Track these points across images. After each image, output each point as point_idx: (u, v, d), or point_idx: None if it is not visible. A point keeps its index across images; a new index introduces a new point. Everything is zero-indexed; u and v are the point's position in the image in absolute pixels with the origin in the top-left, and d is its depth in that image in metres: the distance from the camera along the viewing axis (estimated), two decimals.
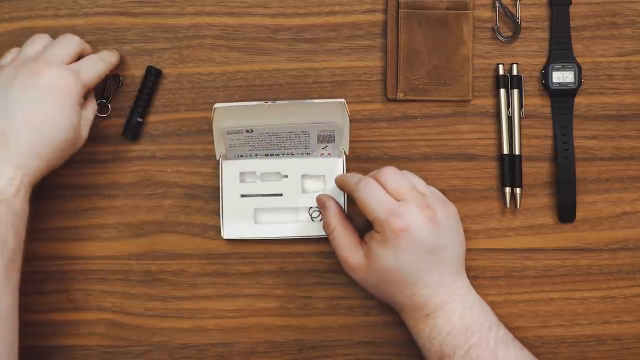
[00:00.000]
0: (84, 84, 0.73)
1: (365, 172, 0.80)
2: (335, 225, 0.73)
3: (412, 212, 0.68)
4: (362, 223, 0.78)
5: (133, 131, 0.79)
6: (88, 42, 0.80)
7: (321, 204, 0.75)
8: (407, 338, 0.74)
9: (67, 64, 0.73)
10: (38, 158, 0.70)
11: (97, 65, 0.75)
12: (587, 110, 0.81)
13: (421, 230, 0.68)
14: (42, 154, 0.70)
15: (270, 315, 0.80)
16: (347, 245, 0.72)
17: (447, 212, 0.71)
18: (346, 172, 0.79)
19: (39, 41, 0.75)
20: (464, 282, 0.72)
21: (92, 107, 0.77)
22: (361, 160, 0.81)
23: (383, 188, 0.70)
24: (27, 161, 0.70)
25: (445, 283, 0.70)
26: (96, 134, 0.80)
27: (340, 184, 0.74)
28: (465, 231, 0.80)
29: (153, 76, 0.79)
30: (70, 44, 0.75)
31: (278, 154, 0.78)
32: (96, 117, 0.80)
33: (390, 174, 0.71)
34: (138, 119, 0.78)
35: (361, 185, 0.70)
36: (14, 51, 0.76)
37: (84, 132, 0.75)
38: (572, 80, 0.80)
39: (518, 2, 0.81)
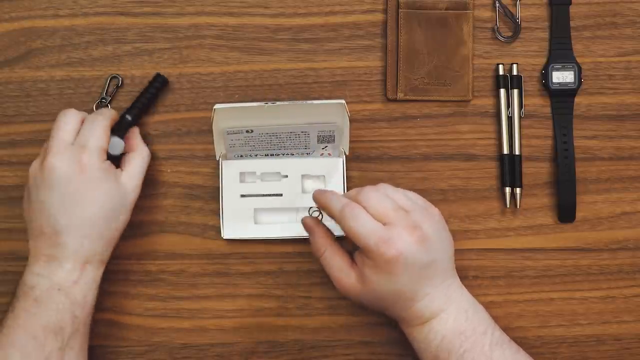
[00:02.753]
0: (98, 148, 0.73)
1: (365, 172, 0.80)
2: (325, 248, 0.71)
3: (402, 237, 0.67)
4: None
5: (120, 128, 0.77)
6: (88, 42, 0.81)
7: (308, 228, 0.73)
8: (405, 338, 0.74)
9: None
10: (92, 242, 0.72)
11: (98, 124, 0.74)
12: (587, 110, 0.81)
13: (413, 254, 0.67)
14: (94, 237, 0.72)
15: (270, 315, 0.80)
16: (338, 267, 0.70)
17: (433, 224, 0.69)
18: (346, 173, 0.79)
19: (71, 121, 0.75)
20: (456, 284, 0.72)
21: (138, 156, 0.76)
22: (361, 160, 0.81)
23: (367, 212, 0.68)
24: (82, 250, 0.72)
25: (441, 291, 0.70)
26: None
27: (322, 206, 0.71)
28: (465, 231, 0.80)
29: (159, 83, 0.79)
30: (70, 120, 0.74)
31: (278, 154, 0.78)
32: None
33: (372, 197, 0.68)
34: (127, 117, 0.77)
35: (346, 213, 0.68)
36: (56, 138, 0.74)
37: (134, 182, 0.75)
38: (572, 80, 0.80)
39: (518, 2, 0.81)
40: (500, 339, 0.70)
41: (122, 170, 0.75)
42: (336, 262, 0.71)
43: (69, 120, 0.74)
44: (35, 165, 0.73)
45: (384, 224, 0.67)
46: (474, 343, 0.69)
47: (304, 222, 0.74)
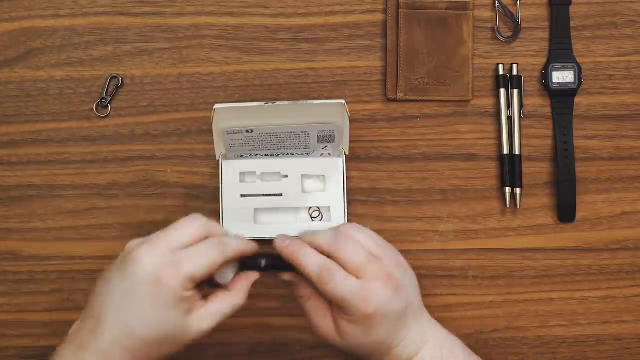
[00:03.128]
0: (189, 276, 0.62)
1: (365, 172, 0.80)
2: (311, 295, 0.68)
3: (379, 292, 0.65)
4: None
5: (244, 263, 0.68)
6: (88, 42, 0.81)
7: (289, 282, 0.70)
8: None
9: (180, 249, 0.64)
10: (124, 351, 0.63)
11: (209, 253, 0.64)
12: (587, 110, 0.81)
13: (390, 306, 0.66)
14: (129, 348, 0.63)
15: (270, 315, 0.80)
16: (321, 316, 0.68)
17: (400, 266, 0.68)
18: (346, 172, 0.79)
19: (192, 230, 0.66)
20: (427, 320, 0.71)
21: (227, 301, 0.66)
22: (361, 160, 0.81)
23: (342, 267, 0.66)
24: (111, 353, 0.63)
25: (415, 332, 0.69)
26: (96, 133, 0.80)
27: (293, 263, 0.67)
28: (465, 231, 0.80)
29: None
30: (190, 226, 0.65)
31: (278, 154, 0.78)
32: (96, 117, 0.80)
33: (348, 249, 0.66)
34: (261, 261, 0.69)
35: (325, 277, 0.65)
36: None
37: (203, 326, 0.65)
38: (572, 80, 0.80)
39: (518, 2, 0.81)
40: None
41: (202, 304, 0.65)
42: (318, 311, 0.69)
43: (189, 228, 0.65)
44: (132, 244, 0.66)
45: (359, 278, 0.66)
46: None
47: (282, 276, 0.69)
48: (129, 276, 0.63)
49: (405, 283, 0.68)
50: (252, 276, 0.68)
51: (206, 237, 0.65)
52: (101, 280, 0.66)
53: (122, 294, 0.63)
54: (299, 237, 0.68)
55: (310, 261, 0.66)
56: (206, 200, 0.80)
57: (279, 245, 0.67)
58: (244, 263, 0.67)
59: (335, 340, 0.69)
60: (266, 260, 0.68)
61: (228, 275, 0.67)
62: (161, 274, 0.62)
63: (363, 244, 0.67)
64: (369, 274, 0.66)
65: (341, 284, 0.65)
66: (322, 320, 0.69)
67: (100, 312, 0.64)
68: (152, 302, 0.62)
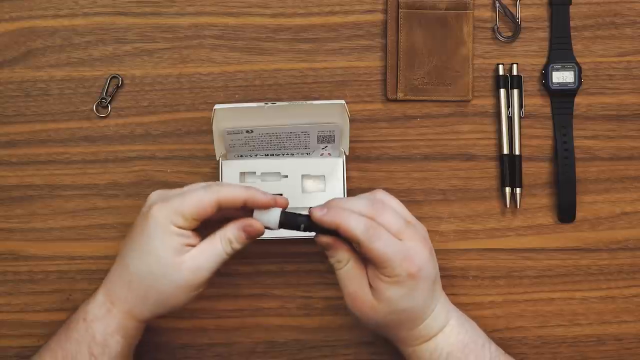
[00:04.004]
0: (175, 210, 0.65)
1: (364, 172, 0.80)
2: (348, 261, 0.68)
3: (420, 252, 0.67)
4: None
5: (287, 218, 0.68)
6: (88, 42, 0.81)
7: (327, 244, 0.68)
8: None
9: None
10: (125, 287, 0.67)
11: (199, 192, 0.65)
12: (587, 110, 0.81)
13: (429, 266, 0.67)
14: (127, 283, 0.67)
15: (270, 315, 0.80)
16: (357, 283, 0.68)
17: (427, 235, 0.70)
18: (346, 173, 0.79)
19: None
20: (446, 298, 0.72)
21: (210, 247, 0.66)
22: (361, 160, 0.81)
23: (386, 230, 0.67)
24: (116, 291, 0.67)
25: (442, 304, 0.70)
26: (96, 133, 0.80)
27: (336, 226, 0.66)
28: (465, 231, 0.80)
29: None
30: (198, 183, 0.68)
31: (278, 154, 0.78)
32: (96, 117, 0.80)
33: (387, 214, 0.67)
34: (300, 219, 0.68)
35: (372, 236, 0.65)
36: None
37: (193, 263, 0.65)
38: (572, 80, 0.80)
39: (518, 2, 0.81)
40: (497, 352, 0.71)
41: (197, 244, 0.66)
42: (355, 277, 0.68)
43: (197, 184, 0.68)
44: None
45: (400, 240, 0.67)
46: (476, 356, 0.69)
47: (321, 238, 0.68)
48: (140, 226, 0.66)
49: (434, 252, 0.69)
50: (256, 226, 0.67)
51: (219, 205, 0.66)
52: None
53: (130, 236, 0.67)
54: (334, 203, 0.68)
55: (355, 222, 0.66)
56: None
57: (317, 215, 0.67)
58: (282, 223, 0.67)
59: (370, 309, 0.68)
60: (305, 222, 0.68)
61: (271, 218, 0.66)
62: (152, 208, 0.65)
63: (401, 212, 0.69)
64: (407, 237, 0.67)
65: (388, 244, 0.66)
66: (359, 287, 0.68)
67: (118, 255, 0.69)
68: (144, 236, 0.65)
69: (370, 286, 0.68)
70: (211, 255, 0.66)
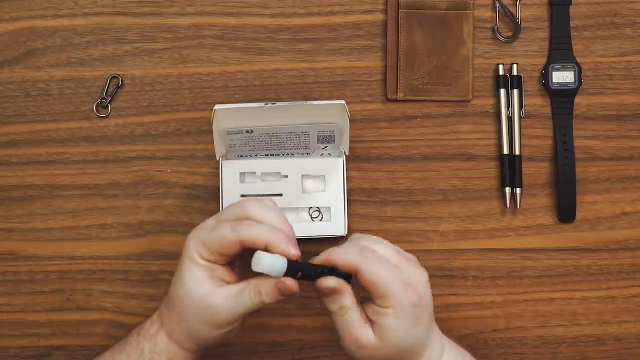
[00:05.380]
0: (200, 241, 0.64)
1: (365, 172, 0.80)
2: (352, 304, 0.64)
3: (419, 279, 0.65)
4: None
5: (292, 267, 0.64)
6: (88, 42, 0.81)
7: (331, 290, 0.64)
8: None
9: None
10: (166, 309, 0.67)
11: (225, 228, 0.63)
12: (587, 110, 0.81)
13: (427, 293, 0.66)
14: (166, 305, 0.67)
15: (270, 316, 0.80)
16: (361, 327, 0.64)
17: (419, 262, 0.69)
18: (346, 173, 0.79)
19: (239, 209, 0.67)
20: (437, 328, 0.70)
21: (238, 292, 0.64)
22: (361, 160, 0.81)
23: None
24: (162, 309, 0.68)
25: (436, 337, 0.68)
26: (96, 133, 0.80)
27: (333, 261, 0.64)
28: (465, 231, 0.80)
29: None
30: (239, 207, 0.65)
31: (278, 154, 0.78)
32: (96, 117, 0.80)
33: (377, 244, 0.66)
34: (316, 270, 0.65)
35: (369, 258, 0.63)
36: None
37: (227, 304, 0.64)
38: (572, 80, 0.80)
39: (518, 2, 0.81)
40: None
41: (232, 284, 0.65)
42: (357, 321, 0.65)
43: (237, 209, 0.65)
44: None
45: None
46: None
47: (325, 282, 0.64)
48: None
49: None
50: (291, 285, 0.64)
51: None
52: None
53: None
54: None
55: (348, 248, 0.64)
56: (206, 200, 0.80)
57: (328, 257, 0.64)
58: (289, 267, 0.63)
59: (375, 351, 0.65)
60: (302, 272, 0.64)
61: (276, 266, 0.62)
62: (187, 236, 0.65)
63: (384, 243, 0.67)
64: (403, 265, 0.65)
65: (386, 269, 0.63)
66: (363, 332, 0.65)
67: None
68: (179, 261, 0.66)
69: (372, 326, 0.65)
70: (237, 301, 0.64)
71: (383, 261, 0.64)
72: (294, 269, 0.63)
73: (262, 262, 0.61)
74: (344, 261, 0.64)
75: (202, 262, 0.64)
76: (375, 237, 0.67)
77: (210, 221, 0.66)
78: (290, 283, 0.63)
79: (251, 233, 0.63)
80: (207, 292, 0.64)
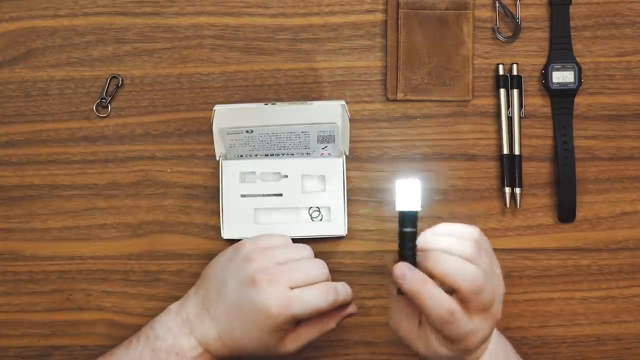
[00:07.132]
0: (293, 315, 0.67)
1: (364, 172, 0.80)
2: (425, 285, 0.63)
3: (483, 331, 0.65)
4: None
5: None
6: (88, 42, 0.81)
7: (402, 274, 0.63)
8: None
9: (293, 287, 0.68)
10: (221, 344, 0.70)
11: (319, 300, 0.67)
12: (587, 110, 0.81)
13: (485, 338, 0.66)
14: (225, 343, 0.70)
15: None
16: (404, 315, 0.67)
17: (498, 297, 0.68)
18: (346, 173, 0.79)
19: (277, 242, 0.71)
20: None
21: (312, 327, 0.70)
22: (361, 160, 0.81)
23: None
24: (212, 341, 0.70)
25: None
26: (96, 133, 0.80)
27: (420, 306, 0.63)
28: None
29: None
30: (313, 269, 0.69)
31: (278, 154, 0.78)
32: (96, 117, 0.80)
33: (487, 287, 0.64)
34: None
35: (448, 323, 0.62)
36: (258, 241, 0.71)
37: (291, 346, 0.70)
38: (572, 80, 0.80)
39: (518, 2, 0.81)
40: None
41: (295, 329, 0.70)
42: (405, 311, 0.67)
43: (313, 269, 0.69)
44: (251, 246, 0.70)
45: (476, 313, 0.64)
46: None
47: (398, 272, 0.63)
48: (244, 293, 0.67)
49: None
50: (350, 309, 0.71)
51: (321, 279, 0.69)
52: (215, 268, 0.71)
53: (233, 302, 0.68)
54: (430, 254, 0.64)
55: (435, 304, 0.62)
56: (206, 200, 0.80)
57: (399, 278, 0.62)
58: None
59: (409, 343, 0.67)
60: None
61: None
62: (272, 308, 0.66)
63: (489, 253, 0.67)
64: (477, 260, 0.64)
65: (462, 325, 0.63)
66: (406, 323, 0.67)
67: (209, 304, 0.70)
68: (257, 325, 0.67)
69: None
70: (306, 339, 0.70)
71: (463, 319, 0.63)
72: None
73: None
74: (428, 311, 0.63)
75: (288, 326, 0.68)
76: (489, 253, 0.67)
77: (284, 290, 0.67)
78: (351, 309, 0.72)
79: (343, 299, 0.69)
80: (283, 343, 0.70)
